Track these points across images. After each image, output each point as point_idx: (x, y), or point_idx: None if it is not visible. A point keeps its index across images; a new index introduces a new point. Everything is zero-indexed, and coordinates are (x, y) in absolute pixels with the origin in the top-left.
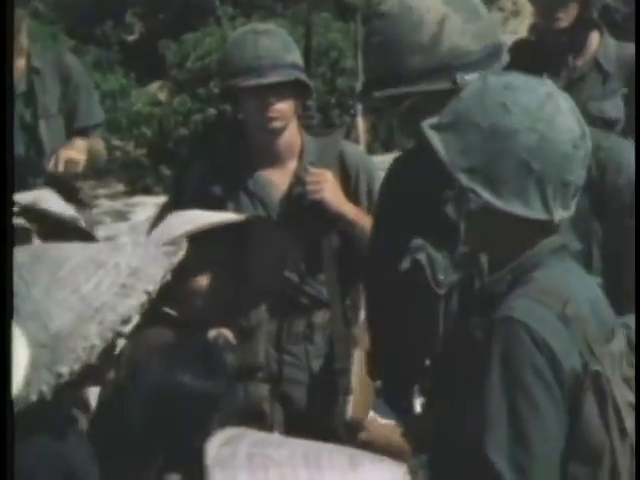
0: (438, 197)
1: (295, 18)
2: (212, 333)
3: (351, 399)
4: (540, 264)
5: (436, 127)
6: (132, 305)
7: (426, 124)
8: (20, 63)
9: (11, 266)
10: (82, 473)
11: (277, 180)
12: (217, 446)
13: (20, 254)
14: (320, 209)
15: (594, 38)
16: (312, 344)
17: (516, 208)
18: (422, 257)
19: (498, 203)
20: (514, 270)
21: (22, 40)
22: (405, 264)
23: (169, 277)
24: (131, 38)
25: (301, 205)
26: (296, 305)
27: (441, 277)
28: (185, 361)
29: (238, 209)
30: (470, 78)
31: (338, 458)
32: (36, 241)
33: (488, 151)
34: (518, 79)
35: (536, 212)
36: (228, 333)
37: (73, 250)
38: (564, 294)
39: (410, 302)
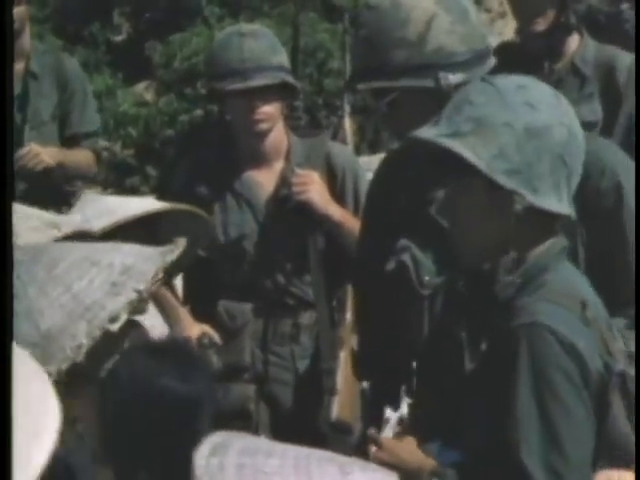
0: (424, 198)
1: (282, 18)
2: (197, 332)
3: (336, 400)
4: (548, 267)
5: (452, 135)
6: (121, 303)
7: (433, 135)
8: (19, 66)
9: (11, 268)
10: (82, 473)
11: (264, 181)
12: (205, 456)
13: (21, 253)
14: (306, 210)
15: (573, 41)
16: (298, 345)
17: (553, 205)
18: (407, 258)
19: (538, 201)
20: (524, 274)
21: (24, 43)
22: (390, 265)
23: (161, 276)
24: (118, 38)
25: (287, 206)
26: (282, 306)
27: (426, 278)
28: (168, 363)
29: (224, 209)
30: (454, 78)
31: (328, 467)
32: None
33: (525, 150)
34: (521, 79)
35: (565, 207)
36: (213, 333)
37: (71, 249)
38: (579, 296)
39: (395, 303)
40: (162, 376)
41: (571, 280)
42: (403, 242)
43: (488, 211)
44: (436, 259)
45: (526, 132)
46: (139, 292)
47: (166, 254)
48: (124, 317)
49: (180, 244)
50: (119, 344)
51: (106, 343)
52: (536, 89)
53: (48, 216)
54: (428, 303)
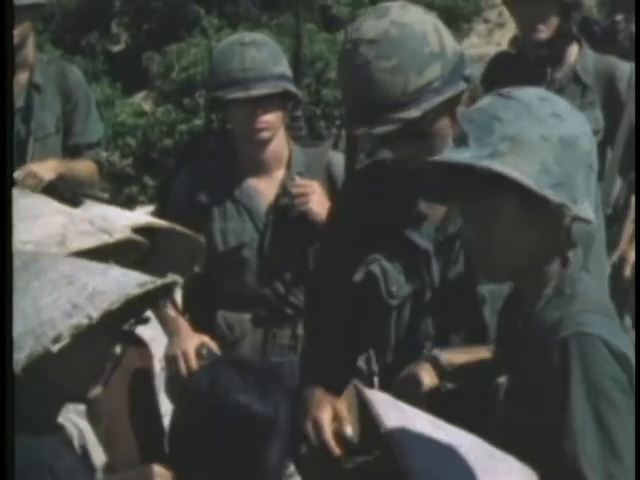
0: (391, 210)
1: (281, 29)
2: (196, 343)
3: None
4: (576, 278)
5: (491, 157)
6: (69, 325)
7: (469, 158)
8: (22, 77)
9: (11, 271)
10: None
11: (264, 189)
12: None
13: (16, 259)
14: (307, 220)
15: (573, 50)
16: (297, 355)
17: (589, 213)
18: (375, 269)
19: (579, 211)
20: (557, 286)
21: (28, 54)
22: (358, 276)
23: (116, 307)
24: (117, 48)
25: (288, 215)
26: (281, 316)
27: (394, 288)
28: (250, 380)
29: (224, 217)
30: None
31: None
32: None
33: (563, 162)
34: (537, 91)
35: (592, 214)
36: (212, 343)
37: (60, 263)
38: (611, 305)
39: (361, 313)
40: (241, 392)
41: (597, 289)
42: (371, 254)
43: (525, 227)
44: (403, 270)
45: (560, 143)
46: (90, 318)
47: (142, 286)
48: (66, 340)
49: (165, 280)
50: (110, 364)
51: (99, 363)
52: (556, 100)
53: (101, 222)
54: (396, 313)
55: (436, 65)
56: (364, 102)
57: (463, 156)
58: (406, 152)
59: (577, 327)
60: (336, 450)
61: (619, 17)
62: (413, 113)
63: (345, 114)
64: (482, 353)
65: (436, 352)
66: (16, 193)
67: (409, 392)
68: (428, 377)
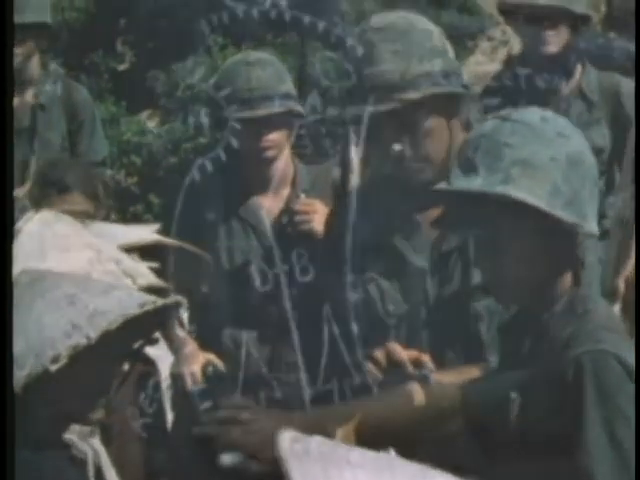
0: (388, 228)
1: (285, 48)
2: (202, 361)
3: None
4: (584, 294)
5: (504, 182)
6: (68, 346)
7: (481, 185)
8: (27, 97)
9: (11, 283)
10: None
11: (269, 207)
12: (289, 441)
13: (23, 276)
14: (310, 237)
15: (578, 66)
16: (303, 373)
17: (595, 228)
18: (372, 288)
19: (589, 227)
20: (570, 303)
21: (33, 73)
22: (355, 296)
23: (114, 326)
24: (121, 67)
25: (291, 235)
26: (287, 334)
27: (391, 307)
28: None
29: (230, 235)
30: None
31: (409, 466)
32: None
33: (570, 180)
34: (535, 110)
35: (597, 228)
36: (218, 361)
37: (65, 283)
38: (619, 320)
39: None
40: None
41: (605, 306)
42: (368, 273)
43: (538, 249)
44: (399, 289)
45: (568, 162)
46: (88, 339)
47: (142, 306)
48: (65, 360)
49: (166, 300)
50: (116, 384)
51: (102, 384)
52: (557, 119)
53: (127, 263)
54: (393, 332)
55: (437, 60)
56: (363, 81)
57: (475, 184)
58: (394, 140)
59: (592, 344)
60: (411, 367)
61: (612, 35)
62: (412, 94)
63: (344, 92)
64: (471, 372)
65: (425, 372)
66: (51, 217)
67: (399, 408)
68: (418, 395)
